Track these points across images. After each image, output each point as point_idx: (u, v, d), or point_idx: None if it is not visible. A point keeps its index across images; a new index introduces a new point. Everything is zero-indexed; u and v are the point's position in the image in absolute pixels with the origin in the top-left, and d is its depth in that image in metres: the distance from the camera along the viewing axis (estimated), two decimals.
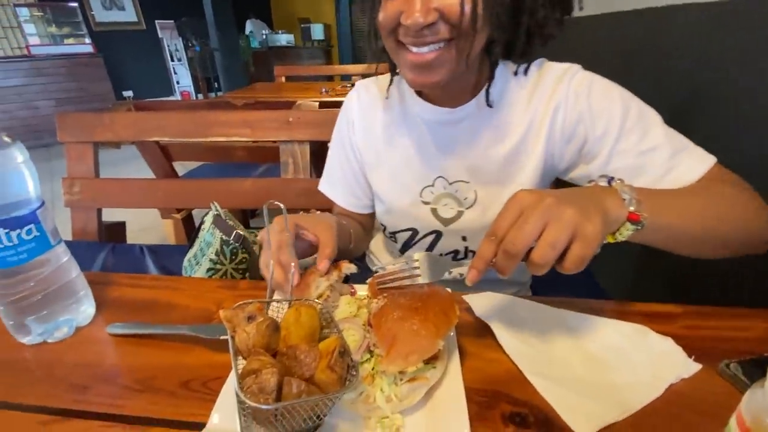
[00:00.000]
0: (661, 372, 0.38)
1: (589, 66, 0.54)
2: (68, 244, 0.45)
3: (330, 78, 3.52)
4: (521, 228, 0.33)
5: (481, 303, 0.49)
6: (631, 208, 0.37)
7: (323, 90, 2.35)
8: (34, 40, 4.72)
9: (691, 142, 0.49)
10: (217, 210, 0.87)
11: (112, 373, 0.40)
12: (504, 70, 0.53)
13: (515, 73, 0.54)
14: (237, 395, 0.28)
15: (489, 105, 0.52)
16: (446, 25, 0.42)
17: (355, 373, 0.32)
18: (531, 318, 0.45)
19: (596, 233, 0.33)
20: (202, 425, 0.34)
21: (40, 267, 0.42)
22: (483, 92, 0.52)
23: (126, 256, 1.05)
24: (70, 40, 4.95)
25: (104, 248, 1.04)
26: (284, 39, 6.03)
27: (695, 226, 0.42)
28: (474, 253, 0.59)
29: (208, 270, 0.81)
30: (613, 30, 1.18)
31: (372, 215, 0.71)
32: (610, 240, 0.38)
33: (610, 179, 0.40)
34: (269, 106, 1.52)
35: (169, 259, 1.06)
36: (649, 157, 0.48)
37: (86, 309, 0.47)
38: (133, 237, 1.25)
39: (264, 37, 6.02)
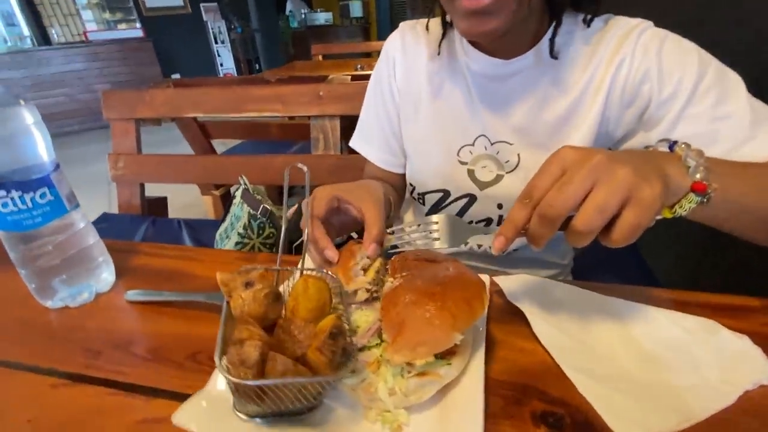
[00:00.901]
0: (733, 376, 0.31)
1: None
2: (113, 216, 0.45)
3: (368, 55, 3.46)
4: (563, 189, 0.28)
5: (514, 286, 0.44)
6: (698, 176, 0.31)
7: (358, 66, 2.30)
8: (91, 26, 5.01)
9: None
10: (245, 184, 0.87)
11: (125, 341, 0.40)
12: (567, 20, 0.47)
13: (580, 24, 0.47)
14: (217, 365, 0.25)
15: (553, 56, 0.47)
16: None
17: (348, 358, 0.28)
18: (571, 305, 0.40)
19: (655, 198, 0.27)
20: None
21: (56, 232, 0.41)
22: (542, 44, 0.47)
23: (165, 229, 1.10)
24: (123, 26, 5.21)
25: (145, 221, 1.09)
26: (323, 18, 5.99)
27: None
28: None
29: (237, 243, 0.81)
30: None
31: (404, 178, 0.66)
32: (667, 215, 0.32)
33: (672, 144, 0.34)
34: (302, 81, 1.51)
35: (204, 232, 1.09)
36: (724, 125, 0.41)
37: (106, 276, 0.47)
38: (175, 213, 1.30)
39: (303, 16, 6.01)
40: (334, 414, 0.31)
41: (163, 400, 0.33)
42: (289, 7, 6.02)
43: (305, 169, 0.42)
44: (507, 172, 0.54)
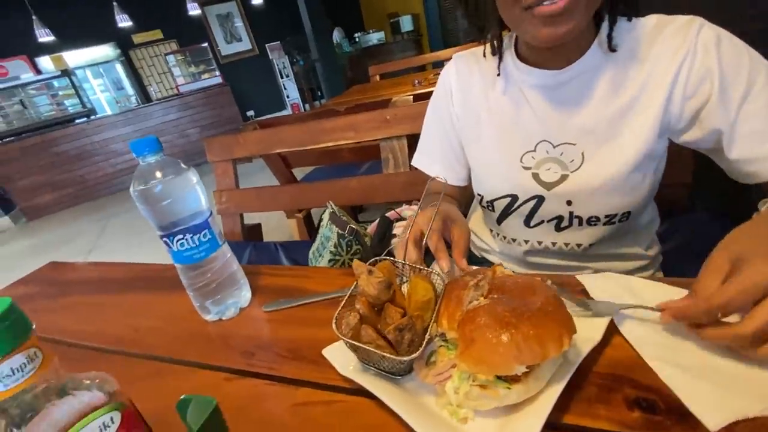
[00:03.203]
0: None
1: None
2: None
3: (422, 68, 3.54)
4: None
5: (598, 286, 0.46)
6: None
7: (416, 82, 2.38)
8: (180, 80, 5.79)
9: None
10: (332, 208, 0.98)
11: (269, 343, 0.51)
12: (614, 27, 0.51)
13: (625, 23, 0.51)
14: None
15: (612, 49, 0.51)
16: None
17: (410, 351, 0.37)
18: (654, 300, 0.42)
19: None
20: (339, 388, 0.41)
21: (212, 262, 0.54)
22: (595, 45, 0.51)
23: (264, 252, 1.26)
24: (205, 75, 5.94)
25: (247, 246, 1.26)
26: (375, 38, 6.23)
27: None
28: (579, 219, 0.58)
29: (330, 261, 0.92)
30: None
31: (466, 188, 0.72)
32: None
33: None
34: (368, 108, 1.63)
35: (297, 252, 1.23)
36: None
37: (245, 294, 0.60)
38: (266, 236, 1.48)
39: (357, 40, 6.31)
40: (414, 386, 0.39)
41: (307, 389, 0.43)
42: (336, 36, 6.35)
43: (443, 179, 0.54)
44: (572, 171, 0.56)
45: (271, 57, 6.62)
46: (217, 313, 0.57)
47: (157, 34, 5.82)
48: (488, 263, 0.75)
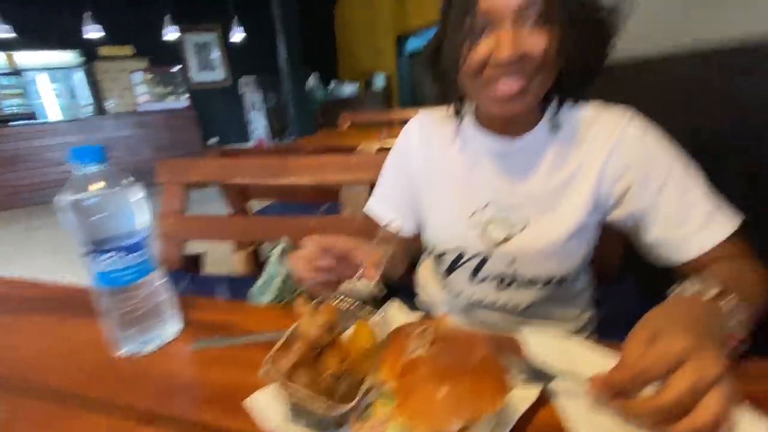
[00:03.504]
0: None
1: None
2: None
3: (390, 123, 3.71)
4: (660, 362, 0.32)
5: (538, 345, 0.46)
6: (740, 334, 0.38)
7: (383, 133, 2.48)
8: (143, 99, 5.62)
9: (722, 200, 0.52)
10: (285, 244, 0.95)
11: (190, 385, 0.46)
12: (559, 111, 0.57)
13: (574, 103, 0.57)
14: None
15: (556, 127, 0.56)
16: (531, 61, 0.47)
17: (346, 401, 0.35)
18: (590, 366, 0.43)
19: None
20: None
21: (141, 288, 0.49)
22: (542, 123, 0.57)
23: (203, 284, 1.17)
24: (171, 98, 5.83)
25: (185, 276, 1.17)
26: (348, 89, 6.51)
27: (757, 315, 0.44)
28: (520, 279, 0.61)
29: (272, 299, 0.87)
30: (663, 74, 1.14)
31: (416, 239, 0.73)
32: None
33: (720, 292, 0.40)
34: (334, 151, 1.66)
35: (238, 288, 1.15)
36: (691, 211, 0.51)
37: (172, 327, 0.54)
38: (208, 268, 1.39)
39: (331, 88, 6.56)
40: None
41: None
42: (311, 81, 6.58)
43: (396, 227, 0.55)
44: (516, 233, 0.60)
45: (243, 90, 6.66)
46: (136, 345, 0.50)
47: (128, 50, 5.71)
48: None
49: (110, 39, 5.29)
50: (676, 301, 0.42)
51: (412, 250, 0.77)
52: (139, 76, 5.65)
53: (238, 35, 5.84)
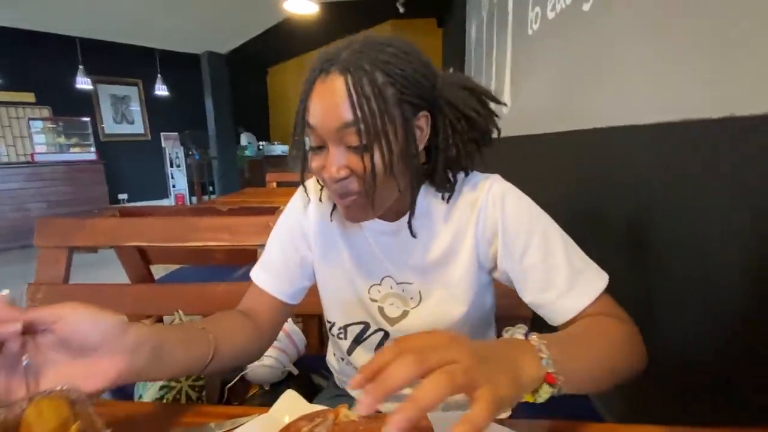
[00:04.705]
0: None
1: (523, 180, 0.58)
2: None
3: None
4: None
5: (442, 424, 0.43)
6: (549, 370, 0.35)
7: None
8: (40, 149, 5.02)
9: (588, 262, 0.52)
10: (180, 319, 0.84)
11: None
12: (428, 190, 0.57)
13: (440, 193, 0.56)
14: None
15: (413, 235, 0.55)
16: (358, 180, 0.48)
17: None
18: None
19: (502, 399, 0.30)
20: None
21: None
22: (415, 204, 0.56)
23: None
24: (76, 149, 5.28)
25: None
26: (279, 149, 6.53)
27: (598, 373, 0.43)
28: None
29: (161, 388, 0.74)
30: (560, 147, 1.32)
31: (290, 309, 0.64)
32: (530, 399, 0.36)
33: (527, 333, 0.39)
34: (253, 212, 1.57)
35: None
36: (554, 275, 0.50)
37: None
38: None
39: (260, 148, 6.52)
40: None
41: None
42: (244, 140, 6.54)
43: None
44: (412, 308, 0.59)
45: (164, 145, 6.33)
46: None
47: (28, 96, 5.17)
48: (350, 398, 0.69)
49: (8, 84, 4.80)
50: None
51: (284, 317, 0.65)
52: (39, 125, 5.08)
53: (161, 91, 5.67)
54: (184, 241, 1.07)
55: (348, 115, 0.45)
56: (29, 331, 0.35)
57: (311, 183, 0.63)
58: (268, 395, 0.84)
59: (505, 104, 0.59)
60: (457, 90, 0.52)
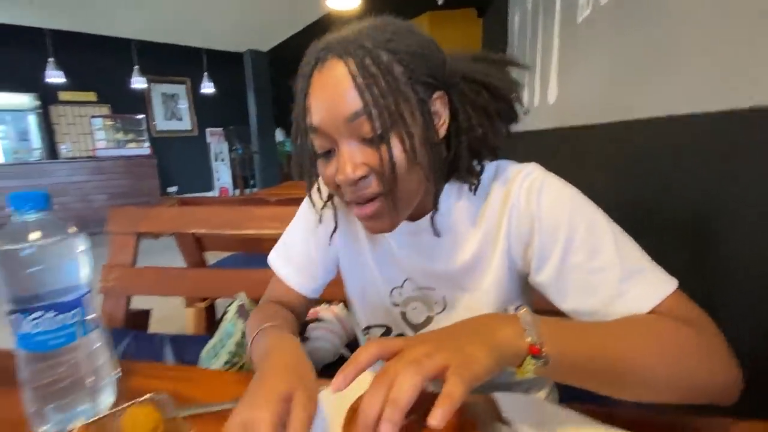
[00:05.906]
0: None
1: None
2: None
3: None
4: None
5: (508, 404, 0.44)
6: (529, 339, 0.33)
7: None
8: (100, 144, 5.44)
9: (650, 263, 0.43)
10: (243, 301, 0.89)
11: None
12: (452, 188, 0.52)
13: (468, 188, 0.50)
14: None
15: (436, 234, 0.51)
16: (378, 178, 0.42)
17: None
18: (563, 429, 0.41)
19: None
20: None
21: (72, 352, 0.43)
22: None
23: (146, 344, 1.06)
24: (132, 144, 5.68)
25: (127, 335, 1.06)
26: None
27: (616, 366, 0.36)
28: None
29: (226, 363, 0.79)
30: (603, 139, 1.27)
31: (311, 302, 0.64)
32: (519, 374, 0.34)
33: (518, 307, 0.38)
34: (299, 202, 1.64)
35: (187, 349, 1.05)
36: (600, 277, 0.42)
37: (106, 398, 0.47)
38: (154, 325, 1.27)
39: None
40: None
41: None
42: (279, 136, 6.71)
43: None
44: (436, 313, 0.55)
45: (209, 140, 6.64)
46: (59, 423, 0.43)
47: (90, 95, 5.61)
48: None
49: (72, 84, 5.20)
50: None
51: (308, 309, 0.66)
52: (99, 122, 5.51)
53: (207, 89, 5.94)
54: (240, 228, 1.14)
55: (356, 103, 0.39)
56: None
57: (317, 196, 0.55)
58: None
59: (527, 67, 0.54)
60: (469, 63, 0.47)
